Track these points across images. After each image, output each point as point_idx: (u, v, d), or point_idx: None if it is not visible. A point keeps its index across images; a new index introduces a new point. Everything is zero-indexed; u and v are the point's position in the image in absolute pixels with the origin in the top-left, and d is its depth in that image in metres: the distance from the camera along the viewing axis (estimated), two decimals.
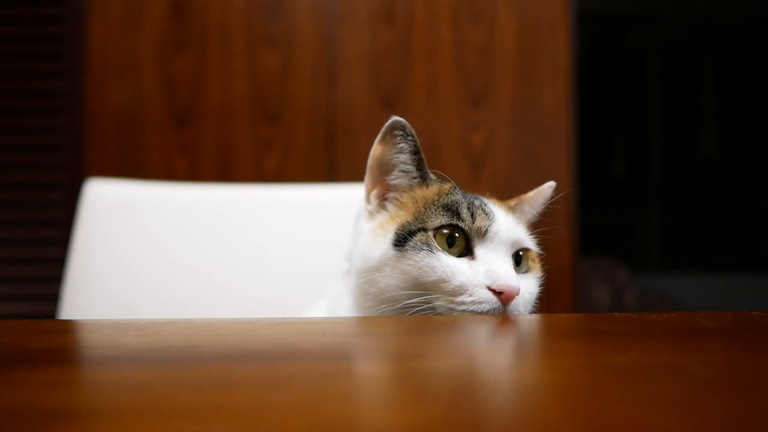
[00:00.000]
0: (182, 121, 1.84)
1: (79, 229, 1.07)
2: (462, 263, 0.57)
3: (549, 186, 0.69)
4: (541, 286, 0.64)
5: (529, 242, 0.63)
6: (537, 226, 0.68)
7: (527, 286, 0.60)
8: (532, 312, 0.63)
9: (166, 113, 1.84)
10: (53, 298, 1.14)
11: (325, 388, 0.32)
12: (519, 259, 0.62)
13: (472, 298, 0.55)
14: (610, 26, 4.14)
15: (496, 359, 0.40)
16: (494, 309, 0.55)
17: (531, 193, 0.68)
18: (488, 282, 0.56)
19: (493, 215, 0.60)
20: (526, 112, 1.85)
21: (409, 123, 0.61)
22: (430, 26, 1.87)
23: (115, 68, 1.84)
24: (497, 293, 0.55)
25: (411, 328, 0.49)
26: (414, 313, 0.56)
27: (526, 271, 0.62)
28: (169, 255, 1.09)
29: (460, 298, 0.55)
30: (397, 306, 0.57)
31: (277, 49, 1.85)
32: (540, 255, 0.66)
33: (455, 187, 0.63)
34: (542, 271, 0.65)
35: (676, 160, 4.22)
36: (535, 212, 0.69)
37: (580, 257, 1.89)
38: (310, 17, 1.86)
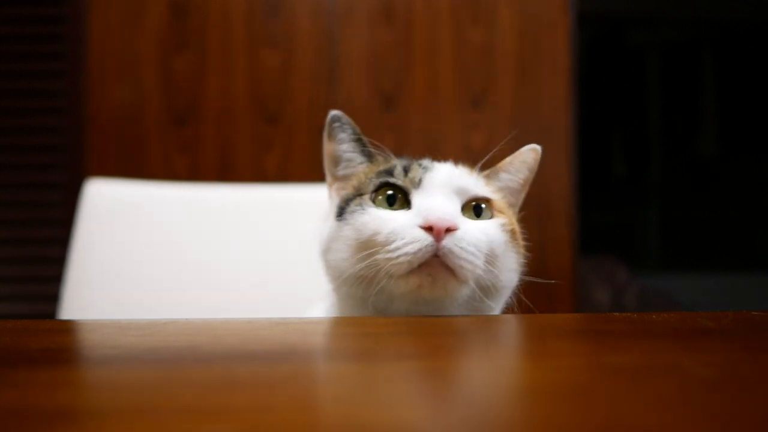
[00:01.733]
0: (182, 121, 1.84)
1: (79, 229, 1.07)
2: (396, 213, 0.56)
3: (529, 149, 0.64)
4: (519, 240, 0.60)
5: (487, 192, 0.59)
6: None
7: (483, 228, 0.56)
8: (519, 276, 0.59)
9: (166, 113, 1.84)
10: (53, 298, 1.14)
11: (324, 388, 0.32)
12: (480, 210, 0.58)
13: (404, 240, 0.52)
14: (610, 26, 4.14)
15: (495, 359, 0.40)
16: (427, 247, 0.52)
17: (507, 159, 0.64)
18: (419, 221, 0.53)
19: (432, 166, 0.58)
20: (526, 112, 1.85)
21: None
22: (430, 26, 1.87)
23: (115, 68, 1.84)
24: (429, 230, 0.52)
25: (410, 328, 0.49)
26: (362, 276, 0.54)
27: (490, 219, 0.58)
28: (169, 255, 1.09)
29: (393, 245, 0.53)
30: (348, 275, 0.55)
31: (277, 49, 1.85)
32: (512, 205, 0.63)
33: (400, 159, 0.62)
34: (511, 219, 0.60)
35: (676, 160, 4.22)
36: (516, 179, 0.64)
37: (580, 257, 1.89)
38: (310, 17, 1.86)
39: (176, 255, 1.08)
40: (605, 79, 4.03)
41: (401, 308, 0.55)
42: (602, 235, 3.41)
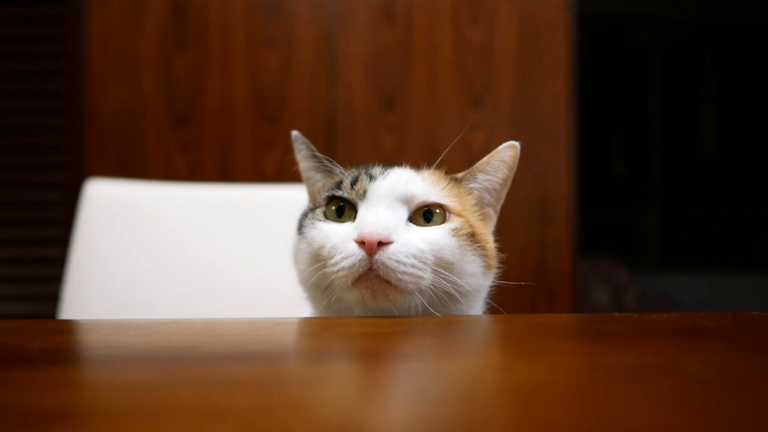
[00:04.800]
0: (182, 121, 1.84)
1: (79, 229, 1.07)
2: (340, 226, 0.56)
3: (506, 146, 0.62)
4: (484, 242, 0.58)
5: (439, 197, 0.57)
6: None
7: (428, 236, 0.54)
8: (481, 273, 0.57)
9: (166, 113, 1.84)
10: (53, 298, 1.14)
11: (324, 388, 0.32)
12: (431, 216, 0.56)
13: (341, 255, 0.53)
14: (610, 26, 4.14)
15: (496, 359, 0.40)
16: (360, 261, 0.51)
17: (484, 158, 0.62)
18: (354, 235, 0.53)
19: (381, 175, 0.57)
20: (526, 112, 1.85)
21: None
22: (430, 26, 1.87)
23: (115, 68, 1.84)
24: (363, 244, 0.51)
25: (410, 328, 0.49)
26: (319, 286, 0.55)
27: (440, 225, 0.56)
28: (168, 255, 1.09)
29: (334, 260, 0.53)
30: (309, 286, 0.58)
31: (277, 49, 1.85)
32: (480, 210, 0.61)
33: (356, 168, 0.61)
34: (471, 222, 0.58)
35: (676, 160, 4.22)
36: (495, 178, 0.62)
37: (580, 257, 1.88)
38: (310, 17, 1.86)
39: (176, 255, 1.08)
40: (605, 79, 4.03)
41: (361, 316, 0.55)
42: (602, 235, 3.41)
